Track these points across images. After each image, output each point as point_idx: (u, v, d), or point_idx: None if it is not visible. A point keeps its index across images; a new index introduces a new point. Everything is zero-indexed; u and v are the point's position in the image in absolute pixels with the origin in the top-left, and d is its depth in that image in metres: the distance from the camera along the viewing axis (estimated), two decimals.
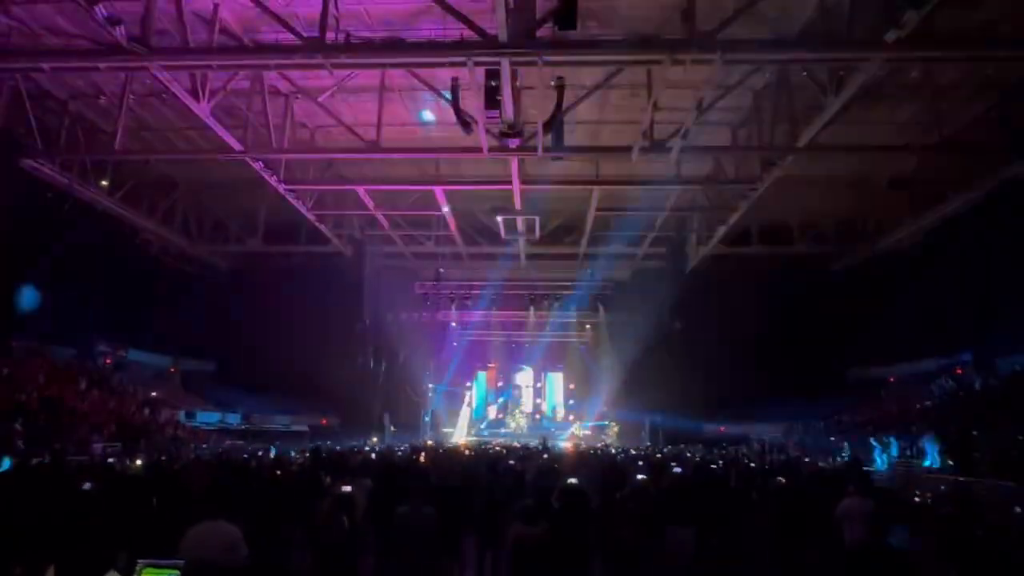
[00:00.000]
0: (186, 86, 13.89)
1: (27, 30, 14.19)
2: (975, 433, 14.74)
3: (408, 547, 5.09)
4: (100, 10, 10.97)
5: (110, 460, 12.41)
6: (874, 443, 12.35)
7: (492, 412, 37.88)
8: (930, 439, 9.20)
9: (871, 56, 11.77)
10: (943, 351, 22.50)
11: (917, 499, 10.28)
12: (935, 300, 22.00)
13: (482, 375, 38.37)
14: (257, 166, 17.46)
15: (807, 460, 17.16)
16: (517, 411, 36.96)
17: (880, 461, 12.87)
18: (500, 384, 38.43)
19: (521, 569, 4.55)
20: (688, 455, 18.44)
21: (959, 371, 21.21)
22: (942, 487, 11.06)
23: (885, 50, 11.34)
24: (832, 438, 20.37)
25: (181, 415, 23.50)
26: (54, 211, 19.08)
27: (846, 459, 16.17)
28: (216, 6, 13.04)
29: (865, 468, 8.59)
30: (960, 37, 12.71)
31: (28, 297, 17.90)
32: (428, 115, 17.94)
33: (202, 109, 14.29)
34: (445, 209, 20.49)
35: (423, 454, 14.90)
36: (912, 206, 21.21)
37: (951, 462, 9.67)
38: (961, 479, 11.00)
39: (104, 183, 20.60)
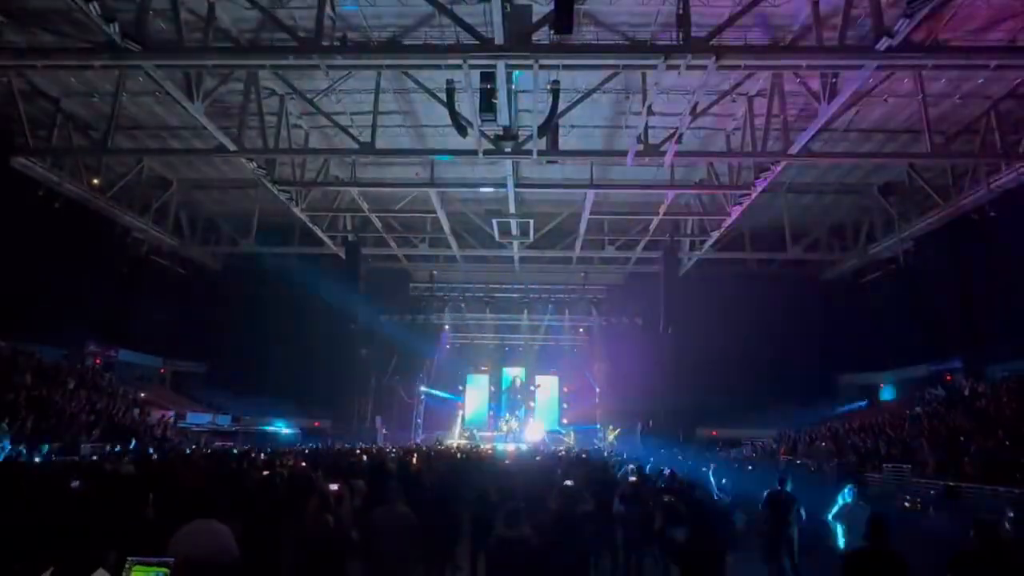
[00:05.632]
0: (180, 85, 13.83)
1: (20, 27, 14.09)
2: (962, 439, 14.87)
3: (384, 547, 5.08)
4: (95, 7, 10.90)
5: (94, 457, 12.28)
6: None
7: (484, 415, 37.73)
8: (849, 490, 7.12)
9: (863, 64, 11.89)
10: (933, 357, 22.67)
11: (907, 504, 10.35)
12: (926, 307, 22.18)
13: (474, 378, 38.26)
14: (251, 166, 17.40)
15: (799, 464, 17.25)
16: (510, 414, 36.83)
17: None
18: (492, 388, 38.31)
19: (498, 571, 4.53)
20: (679, 457, 18.46)
21: (949, 377, 21.37)
22: (932, 492, 11.12)
23: (877, 58, 11.45)
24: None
25: (171, 416, 23.30)
26: (44, 209, 18.94)
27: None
28: (212, 5, 12.99)
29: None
30: (951, 46, 12.86)
31: None
32: None
33: (196, 108, 14.23)
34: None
35: (415, 457, 14.81)
36: (903, 213, 21.41)
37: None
38: (951, 484, 11.07)
39: (96, 181, 20.47)
